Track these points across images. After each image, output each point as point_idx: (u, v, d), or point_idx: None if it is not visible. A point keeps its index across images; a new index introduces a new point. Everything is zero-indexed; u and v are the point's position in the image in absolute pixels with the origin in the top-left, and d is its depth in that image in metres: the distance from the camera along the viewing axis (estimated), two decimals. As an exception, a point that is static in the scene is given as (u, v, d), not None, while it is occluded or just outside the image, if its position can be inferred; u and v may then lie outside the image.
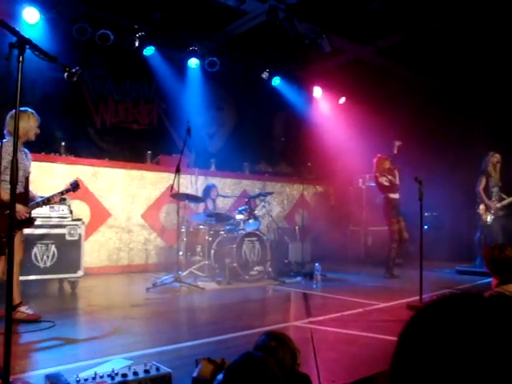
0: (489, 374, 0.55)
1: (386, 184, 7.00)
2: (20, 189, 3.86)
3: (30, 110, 4.08)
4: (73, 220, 5.63)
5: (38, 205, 4.17)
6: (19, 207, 3.83)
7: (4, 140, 3.84)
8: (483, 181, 7.34)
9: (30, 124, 4.03)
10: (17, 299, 3.94)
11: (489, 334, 0.57)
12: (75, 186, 4.34)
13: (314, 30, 7.69)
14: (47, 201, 4.20)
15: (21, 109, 3.91)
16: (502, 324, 0.57)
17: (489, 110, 9.34)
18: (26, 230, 5.02)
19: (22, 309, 3.96)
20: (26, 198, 4.01)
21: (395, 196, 6.97)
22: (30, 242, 5.18)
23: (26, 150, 4.20)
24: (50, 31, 6.78)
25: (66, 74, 2.57)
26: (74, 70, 2.54)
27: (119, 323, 4.04)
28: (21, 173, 3.86)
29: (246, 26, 7.89)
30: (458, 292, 0.66)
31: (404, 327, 0.65)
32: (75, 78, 2.58)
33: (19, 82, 2.21)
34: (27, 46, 2.26)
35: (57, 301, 5.18)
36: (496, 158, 7.34)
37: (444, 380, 0.56)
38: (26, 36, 2.25)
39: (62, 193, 4.26)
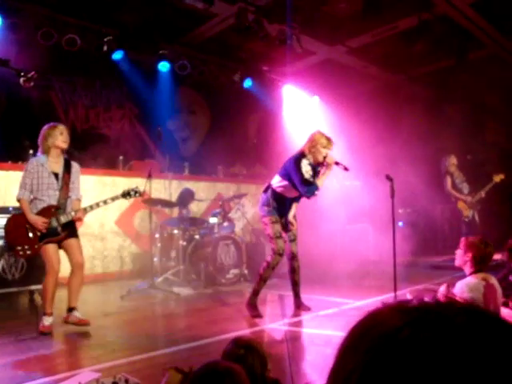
0: None
1: None
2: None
3: (55, 124, 4.10)
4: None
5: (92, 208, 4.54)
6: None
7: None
8: (449, 180, 7.70)
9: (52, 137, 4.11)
10: (73, 302, 4.07)
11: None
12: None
13: (284, 31, 7.69)
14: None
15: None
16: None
17: (459, 108, 9.52)
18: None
19: (76, 313, 4.06)
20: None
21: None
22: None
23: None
24: (14, 37, 6.58)
25: (21, 79, 2.48)
26: (29, 75, 2.45)
27: (91, 333, 3.94)
28: None
29: (215, 28, 7.85)
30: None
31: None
32: (32, 83, 2.49)
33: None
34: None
35: (27, 314, 5.02)
36: (453, 159, 7.76)
37: None
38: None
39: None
